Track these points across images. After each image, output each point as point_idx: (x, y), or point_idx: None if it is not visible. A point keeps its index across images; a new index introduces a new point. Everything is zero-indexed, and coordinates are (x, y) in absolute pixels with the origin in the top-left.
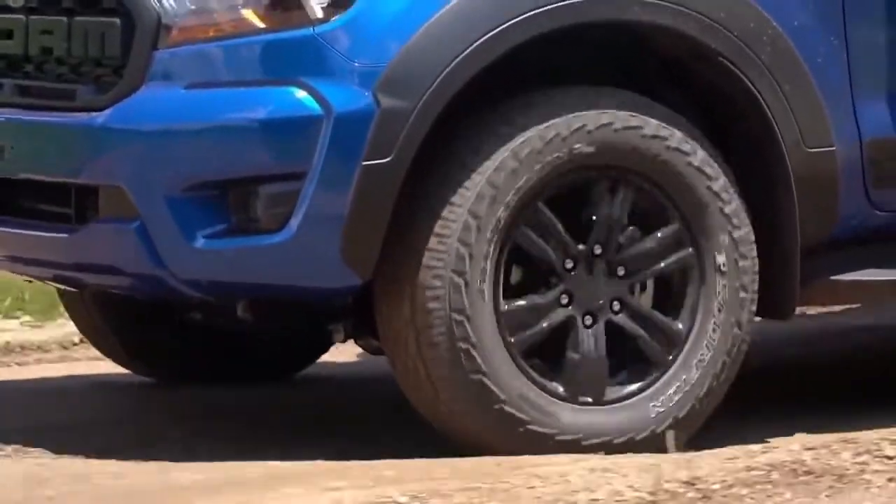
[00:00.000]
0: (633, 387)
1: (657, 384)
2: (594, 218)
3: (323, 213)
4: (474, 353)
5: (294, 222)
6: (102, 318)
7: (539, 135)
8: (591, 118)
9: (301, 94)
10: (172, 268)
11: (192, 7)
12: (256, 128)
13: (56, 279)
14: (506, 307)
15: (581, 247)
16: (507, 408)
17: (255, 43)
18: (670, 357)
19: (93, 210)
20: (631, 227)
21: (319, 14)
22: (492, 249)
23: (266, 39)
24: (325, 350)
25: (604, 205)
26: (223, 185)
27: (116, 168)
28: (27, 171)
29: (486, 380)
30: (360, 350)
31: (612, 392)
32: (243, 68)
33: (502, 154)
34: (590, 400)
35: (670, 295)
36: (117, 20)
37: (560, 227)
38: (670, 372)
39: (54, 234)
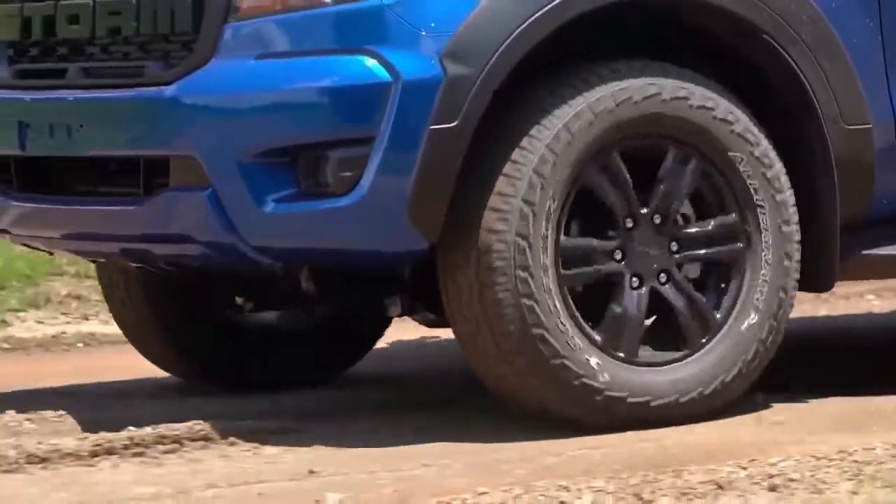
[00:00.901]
0: (666, 356)
1: (693, 357)
2: (661, 186)
3: (391, 177)
4: (537, 308)
5: (363, 185)
6: (150, 314)
7: (612, 94)
8: (668, 88)
9: (370, 62)
10: (244, 233)
11: None
12: (326, 94)
13: (123, 253)
14: (565, 243)
15: (644, 210)
16: (563, 361)
17: (323, 14)
18: (703, 340)
19: (162, 181)
20: (688, 206)
21: None
22: (561, 192)
23: (335, 10)
24: (362, 355)
25: (671, 175)
26: (293, 150)
27: (188, 138)
28: (96, 147)
29: (546, 334)
30: None
31: (644, 355)
32: (312, 39)
33: (579, 104)
34: (622, 356)
35: (714, 279)
36: None
37: (629, 181)
38: (702, 352)
39: (123, 207)
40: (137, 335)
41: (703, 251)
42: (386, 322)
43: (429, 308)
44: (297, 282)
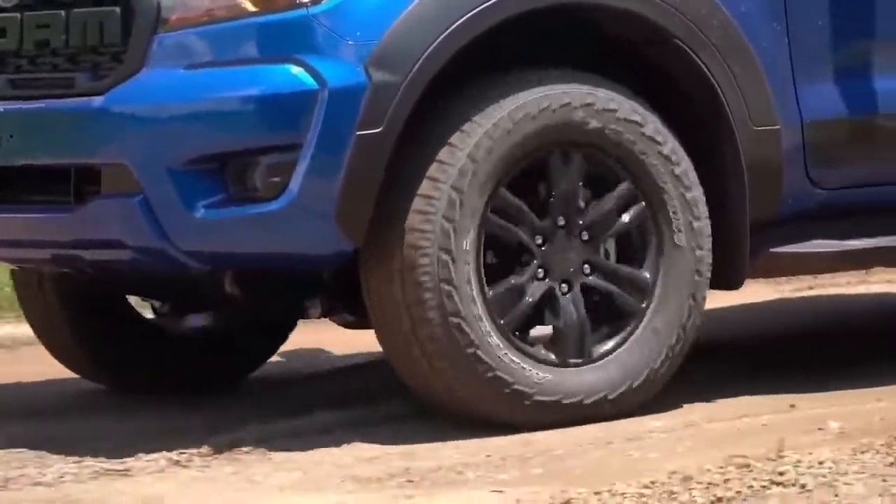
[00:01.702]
0: (616, 339)
1: (636, 333)
2: (554, 192)
3: (318, 182)
4: (465, 326)
5: (292, 190)
6: (63, 317)
7: (510, 115)
8: (556, 98)
9: (297, 70)
10: (174, 239)
11: None
12: (254, 103)
13: (54, 259)
14: (490, 292)
15: (545, 222)
16: (498, 374)
17: (250, 24)
18: (644, 305)
19: (93, 188)
20: (585, 192)
21: None
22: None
23: (261, 21)
24: (271, 354)
25: (560, 178)
26: (223, 157)
27: (119, 146)
28: (26, 157)
29: (479, 352)
30: None
31: (598, 349)
32: (240, 48)
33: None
34: (579, 361)
35: (634, 250)
36: (117, 9)
37: (524, 206)
38: (646, 319)
39: (54, 215)
40: (50, 338)
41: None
42: (293, 323)
43: (348, 310)
44: (220, 285)
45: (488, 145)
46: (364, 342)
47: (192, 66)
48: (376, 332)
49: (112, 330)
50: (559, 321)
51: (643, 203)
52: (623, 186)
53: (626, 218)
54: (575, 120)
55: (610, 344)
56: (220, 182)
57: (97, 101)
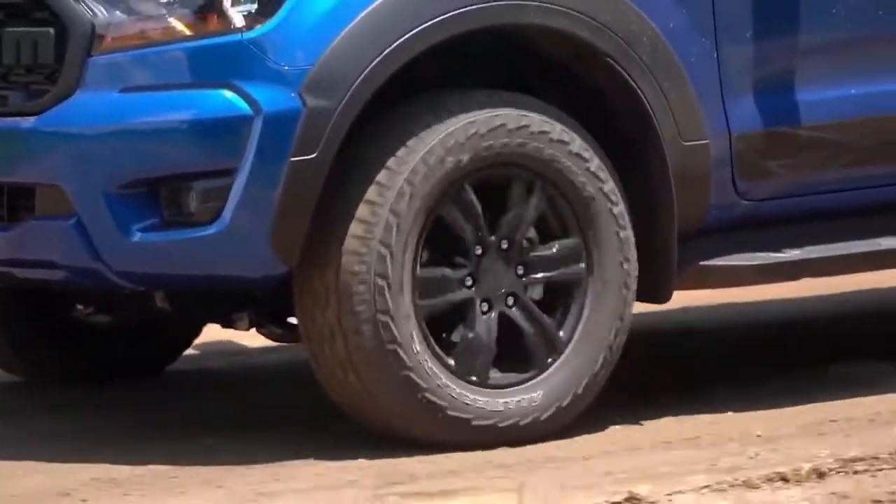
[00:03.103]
0: (517, 377)
1: (539, 378)
2: (505, 215)
3: (253, 207)
4: (392, 323)
5: (226, 215)
6: None
7: (463, 128)
8: (512, 118)
9: (231, 95)
10: (108, 261)
11: (124, 16)
12: (189, 127)
13: None
14: (420, 274)
15: (492, 237)
16: (411, 375)
17: (186, 48)
18: (549, 360)
19: (27, 208)
20: (534, 231)
21: (240, 23)
22: (416, 225)
23: (197, 45)
24: (186, 347)
25: (517, 203)
26: (158, 181)
27: (54, 168)
28: None
29: (399, 349)
30: None
31: (495, 378)
32: (175, 72)
33: (432, 141)
34: (475, 379)
35: (558, 299)
36: (51, 30)
37: (480, 211)
38: (551, 370)
39: None
40: None
41: (547, 273)
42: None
43: (276, 324)
44: (151, 300)
45: (424, 171)
46: None
47: (127, 90)
48: (308, 350)
49: (29, 321)
50: (471, 334)
51: (579, 240)
52: (540, 196)
53: (558, 247)
54: (507, 142)
55: (512, 378)
56: (154, 206)
57: (32, 121)
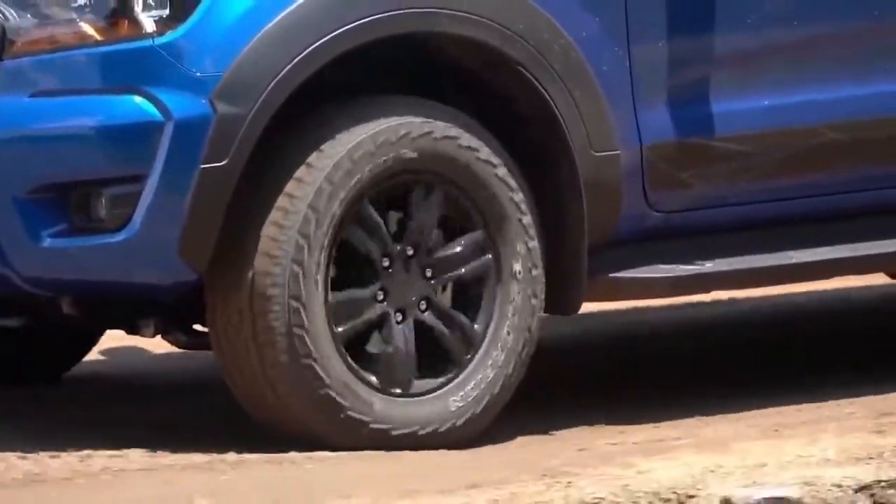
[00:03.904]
0: (437, 381)
1: (457, 380)
2: (410, 221)
3: (163, 213)
4: (307, 339)
5: (135, 222)
6: None
7: (371, 138)
8: (416, 126)
9: (141, 101)
10: (17, 266)
11: (35, 20)
12: (98, 133)
13: None
14: (332, 299)
15: (398, 247)
16: (331, 393)
17: (96, 53)
18: (468, 356)
19: None
20: (437, 232)
21: (151, 28)
22: (326, 242)
23: (107, 50)
24: (87, 352)
25: (418, 209)
26: (67, 187)
27: None
28: None
29: (315, 365)
30: None
31: (418, 385)
32: (85, 77)
33: (339, 153)
34: (399, 391)
35: (470, 297)
36: None
37: (382, 225)
38: (468, 369)
39: None
40: None
41: (455, 272)
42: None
43: (182, 331)
44: (58, 306)
45: (328, 189)
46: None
47: (37, 94)
48: (218, 355)
49: None
50: (389, 348)
51: (482, 233)
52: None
53: (463, 243)
54: (417, 147)
55: (434, 382)
56: (64, 212)
57: None
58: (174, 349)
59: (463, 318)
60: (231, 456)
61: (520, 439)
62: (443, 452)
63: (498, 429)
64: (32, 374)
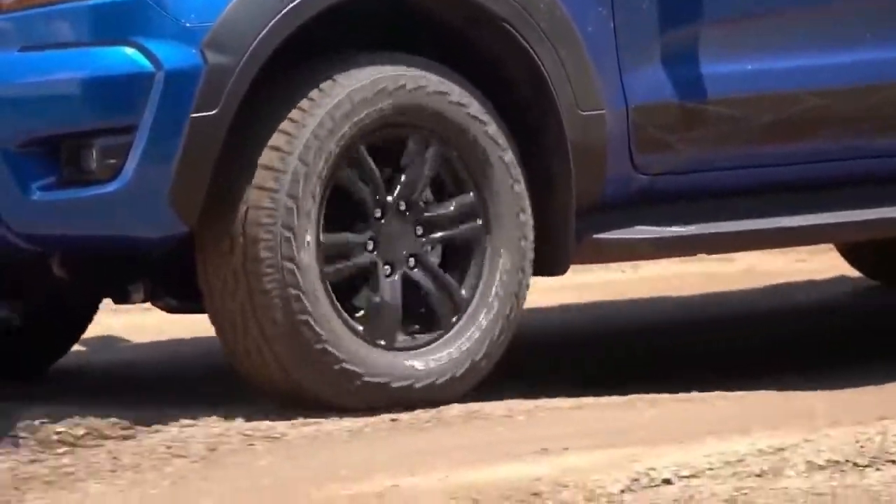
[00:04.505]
0: (422, 338)
1: (440, 340)
2: (403, 175)
3: (154, 164)
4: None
5: (126, 172)
6: None
7: (370, 84)
8: (411, 79)
9: (132, 52)
10: (8, 221)
11: None
12: (89, 84)
13: None
14: (324, 240)
15: (390, 198)
16: (327, 347)
17: (85, 6)
18: (454, 319)
19: None
20: (429, 191)
21: None
22: (318, 188)
23: (96, 3)
24: (71, 345)
25: (412, 163)
26: (58, 139)
27: None
28: None
29: (311, 320)
30: None
31: (402, 340)
32: (75, 30)
33: (335, 99)
34: (383, 343)
35: (459, 260)
36: None
37: (377, 173)
38: (453, 331)
39: None
40: None
41: (446, 233)
42: (90, 316)
43: (171, 294)
44: (47, 268)
45: (324, 131)
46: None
47: (27, 48)
48: (208, 310)
49: None
50: (376, 298)
51: (474, 196)
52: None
53: (455, 205)
54: (408, 102)
55: (420, 339)
56: (55, 164)
57: None
58: (155, 338)
59: (451, 280)
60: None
61: None
62: None
63: None
64: (17, 370)
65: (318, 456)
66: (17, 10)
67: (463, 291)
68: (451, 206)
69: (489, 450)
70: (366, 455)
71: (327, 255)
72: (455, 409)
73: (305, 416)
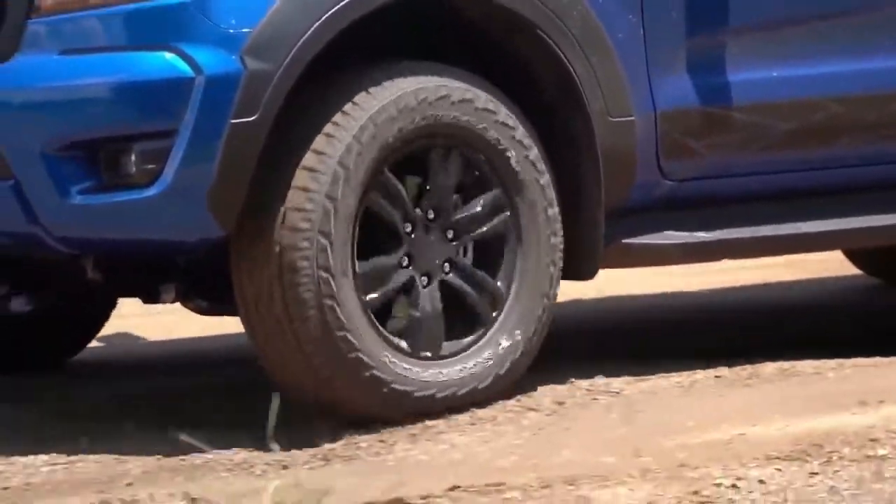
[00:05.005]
0: (466, 341)
1: (485, 338)
2: (429, 186)
3: (193, 169)
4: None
5: (166, 177)
6: None
7: (394, 103)
8: (432, 91)
9: (172, 57)
10: (47, 224)
11: None
12: (129, 89)
13: None
14: (359, 269)
15: (418, 211)
16: (363, 357)
17: (126, 11)
18: (494, 313)
19: None
20: (457, 195)
21: None
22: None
23: (137, 7)
24: (91, 339)
25: (437, 172)
26: (98, 143)
27: None
28: None
29: (349, 336)
30: None
31: (448, 347)
32: (115, 35)
33: (364, 117)
34: (429, 354)
35: (492, 258)
36: None
37: (403, 191)
38: (495, 327)
39: None
40: None
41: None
42: (110, 309)
43: (202, 295)
44: (82, 270)
45: (369, 135)
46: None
47: (67, 52)
48: (242, 317)
49: None
50: (417, 312)
51: (500, 191)
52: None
53: (482, 203)
54: (440, 113)
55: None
56: (94, 168)
57: None
58: (167, 336)
59: (485, 276)
60: None
61: None
62: None
63: None
64: (35, 363)
65: (657, 409)
66: (56, 14)
67: (499, 283)
68: (479, 206)
69: (814, 401)
70: (702, 408)
71: (365, 284)
72: (769, 366)
73: (637, 374)
